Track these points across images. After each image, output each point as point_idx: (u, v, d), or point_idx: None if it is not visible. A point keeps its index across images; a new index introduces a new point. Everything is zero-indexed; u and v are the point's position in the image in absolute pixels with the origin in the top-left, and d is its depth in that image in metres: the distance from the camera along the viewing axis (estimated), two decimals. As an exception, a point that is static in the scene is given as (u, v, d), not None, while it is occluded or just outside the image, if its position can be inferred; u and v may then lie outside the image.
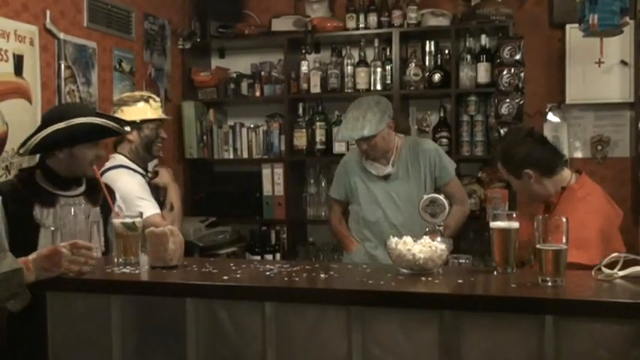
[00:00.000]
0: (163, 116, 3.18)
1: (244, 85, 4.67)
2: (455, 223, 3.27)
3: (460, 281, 1.86)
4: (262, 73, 4.65)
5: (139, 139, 3.10)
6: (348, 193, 3.41)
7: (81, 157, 2.43)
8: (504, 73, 3.97)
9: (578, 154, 4.38)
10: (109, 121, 2.50)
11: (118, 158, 3.13)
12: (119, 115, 2.96)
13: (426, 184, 3.29)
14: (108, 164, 3.10)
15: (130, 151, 3.13)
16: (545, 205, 2.67)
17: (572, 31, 4.08)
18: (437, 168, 3.30)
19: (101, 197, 2.51)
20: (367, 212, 3.33)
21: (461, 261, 2.51)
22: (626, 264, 1.83)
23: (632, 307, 1.59)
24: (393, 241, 1.97)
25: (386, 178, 3.30)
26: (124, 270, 2.05)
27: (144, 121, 3.08)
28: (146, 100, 3.12)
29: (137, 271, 2.04)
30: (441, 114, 4.34)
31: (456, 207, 3.23)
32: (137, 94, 3.20)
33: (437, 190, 3.24)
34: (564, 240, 1.77)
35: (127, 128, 2.62)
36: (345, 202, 3.47)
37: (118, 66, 3.99)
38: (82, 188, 2.49)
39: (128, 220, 2.14)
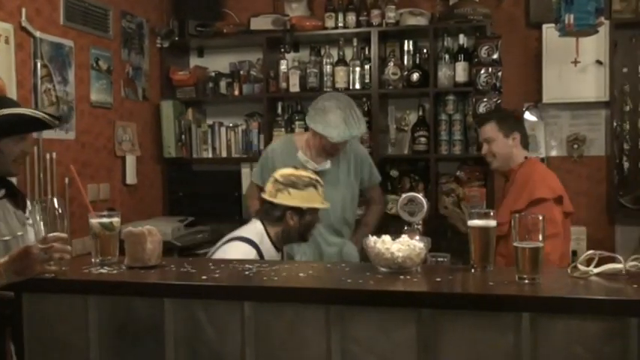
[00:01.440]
0: (326, 205, 2.84)
1: (223, 84, 4.65)
2: (376, 220, 3.48)
3: (438, 279, 1.87)
4: (241, 72, 4.64)
5: (299, 225, 2.77)
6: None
7: (7, 152, 2.27)
8: (482, 72, 4.00)
9: (555, 153, 4.42)
10: (38, 112, 2.37)
11: (257, 231, 2.74)
12: (285, 196, 2.70)
13: (353, 185, 3.33)
14: (243, 231, 2.77)
15: (280, 233, 2.76)
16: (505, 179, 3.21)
17: (549, 31, 4.12)
18: (368, 171, 3.38)
19: (22, 200, 2.39)
20: None
21: (439, 259, 2.53)
22: (602, 261, 1.86)
23: (607, 304, 1.61)
24: (372, 239, 1.97)
25: (318, 174, 3.17)
26: (102, 270, 2.03)
27: (310, 209, 2.75)
28: (314, 186, 2.78)
29: (115, 272, 2.02)
30: (420, 113, 4.36)
31: (376, 206, 3.53)
32: (305, 176, 2.78)
33: (360, 192, 3.39)
34: (541, 238, 1.79)
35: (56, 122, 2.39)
36: None
37: (95, 65, 3.96)
38: (3, 192, 2.34)
39: (105, 220, 2.11)
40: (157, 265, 2.08)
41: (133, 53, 4.35)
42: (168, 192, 4.68)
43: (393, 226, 4.00)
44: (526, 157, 3.16)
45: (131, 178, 4.27)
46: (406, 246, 1.93)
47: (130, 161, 4.27)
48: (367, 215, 3.53)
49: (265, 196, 2.74)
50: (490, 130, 3.16)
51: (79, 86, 3.82)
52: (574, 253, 3.73)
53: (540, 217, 1.81)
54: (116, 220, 2.13)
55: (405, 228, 2.46)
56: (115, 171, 4.17)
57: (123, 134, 4.23)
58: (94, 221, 2.12)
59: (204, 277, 1.91)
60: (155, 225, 2.21)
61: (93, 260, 2.12)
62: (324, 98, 3.23)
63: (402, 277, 1.88)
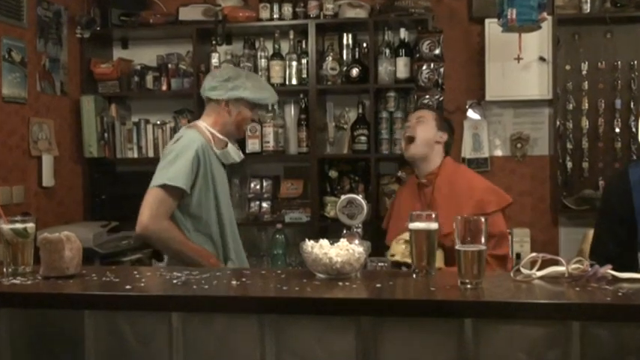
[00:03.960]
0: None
1: (149, 78, 4.59)
2: None
3: (379, 285, 1.88)
4: (169, 65, 4.58)
5: None
6: (204, 186, 2.87)
7: None
8: (424, 68, 4.06)
9: (499, 153, 4.53)
10: None
11: None
12: None
13: None
14: None
15: None
16: (419, 185, 3.16)
17: (492, 26, 4.21)
18: None
19: None
20: (225, 208, 2.94)
21: (380, 264, 2.55)
22: (545, 264, 1.92)
23: (550, 308, 1.65)
24: (309, 244, 1.98)
25: (224, 166, 3.02)
26: (14, 281, 1.97)
27: None
28: None
29: (29, 282, 1.96)
30: (360, 110, 4.39)
31: None
32: None
33: None
34: (483, 241, 1.82)
35: None
36: None
37: (7, 56, 3.85)
38: None
39: (19, 226, 2.06)
40: (76, 274, 2.03)
41: (50, 44, 4.24)
42: (89, 195, 4.58)
43: (331, 229, 4.04)
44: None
45: (48, 179, 4.16)
46: (345, 250, 1.94)
47: (47, 161, 4.16)
48: None
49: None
50: (427, 114, 3.24)
51: (-11, 79, 3.70)
52: (518, 255, 3.83)
53: (483, 219, 1.84)
54: (31, 225, 2.08)
55: (344, 231, 2.47)
56: (29, 172, 4.06)
57: (39, 132, 4.12)
58: (6, 227, 2.06)
59: (128, 287, 1.88)
60: (74, 230, 2.16)
61: (4, 270, 2.06)
62: (229, 68, 3.14)
63: (340, 283, 1.89)
